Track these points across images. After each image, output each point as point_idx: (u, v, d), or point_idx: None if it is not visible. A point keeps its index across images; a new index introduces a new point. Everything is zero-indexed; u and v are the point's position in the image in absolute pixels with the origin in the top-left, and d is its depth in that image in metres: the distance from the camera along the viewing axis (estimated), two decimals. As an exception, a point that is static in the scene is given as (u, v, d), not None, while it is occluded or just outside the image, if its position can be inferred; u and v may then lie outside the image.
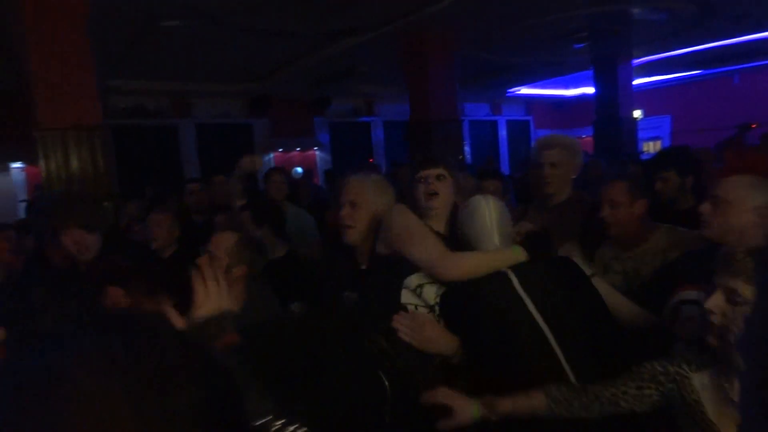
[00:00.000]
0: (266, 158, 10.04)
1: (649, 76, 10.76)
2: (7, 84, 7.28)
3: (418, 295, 1.73)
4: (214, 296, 1.11)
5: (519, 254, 1.72)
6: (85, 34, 4.58)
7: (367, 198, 1.92)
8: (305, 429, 0.85)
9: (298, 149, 10.31)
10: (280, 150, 10.22)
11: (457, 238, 1.84)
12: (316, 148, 10.63)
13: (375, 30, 6.20)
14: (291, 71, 8.51)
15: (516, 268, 1.70)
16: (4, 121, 7.29)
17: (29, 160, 7.46)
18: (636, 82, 9.38)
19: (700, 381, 1.34)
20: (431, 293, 1.72)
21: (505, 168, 11.61)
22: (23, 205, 6.94)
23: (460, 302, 1.68)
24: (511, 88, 11.95)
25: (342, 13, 5.79)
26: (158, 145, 8.99)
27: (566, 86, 12.51)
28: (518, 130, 13.83)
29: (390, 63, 7.94)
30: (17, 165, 7.61)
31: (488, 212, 1.78)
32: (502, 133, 13.62)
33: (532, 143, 13.87)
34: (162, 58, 7.34)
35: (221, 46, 6.91)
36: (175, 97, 9.16)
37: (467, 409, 1.44)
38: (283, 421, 0.84)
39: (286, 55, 7.70)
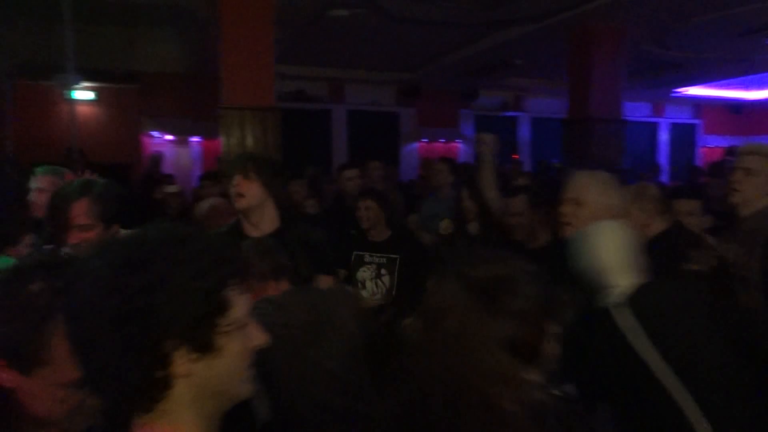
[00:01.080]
0: (410, 147, 10.20)
1: None
2: (191, 67, 8.20)
3: None
4: None
5: None
6: (271, 22, 4.98)
7: (591, 196, 1.86)
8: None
9: (442, 140, 10.33)
10: (425, 140, 10.32)
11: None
12: (459, 140, 10.57)
13: (540, 21, 5.96)
14: (444, 62, 8.53)
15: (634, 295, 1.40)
16: (186, 101, 8.24)
17: (206, 135, 8.35)
18: (844, 85, 7.97)
19: None
20: None
21: (665, 177, 10.59)
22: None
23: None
24: (678, 87, 10.82)
25: (509, 3, 5.64)
26: (313, 128, 9.55)
27: (747, 87, 11.03)
28: (683, 135, 12.52)
29: (547, 56, 7.59)
30: (195, 139, 8.55)
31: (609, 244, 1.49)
32: (663, 137, 12.43)
33: (698, 150, 12.51)
34: (323, 46, 7.75)
35: (380, 35, 7.11)
36: (331, 83, 9.65)
37: None
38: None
39: (441, 45, 7.72)
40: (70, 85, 6.21)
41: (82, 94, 6.86)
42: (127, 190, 3.92)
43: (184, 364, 0.70)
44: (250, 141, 4.97)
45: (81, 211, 1.96)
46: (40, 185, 2.77)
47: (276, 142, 5.05)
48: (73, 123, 5.14)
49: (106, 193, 2.09)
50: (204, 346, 0.71)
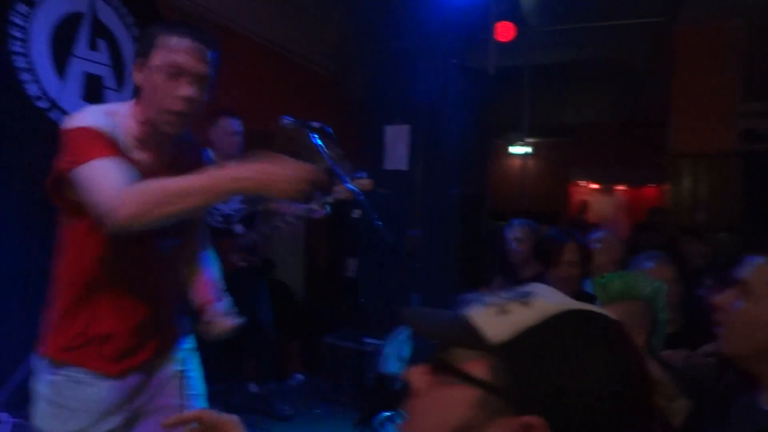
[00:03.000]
0: None
1: None
2: (617, 117, 8.11)
3: None
4: None
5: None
6: (737, 58, 4.44)
7: None
8: None
9: None
10: None
11: None
12: None
13: None
14: None
15: None
16: (612, 150, 8.17)
17: (631, 183, 8.07)
18: None
19: None
20: None
21: None
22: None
23: None
24: None
25: None
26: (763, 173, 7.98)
27: None
28: None
29: None
30: (620, 187, 8.37)
31: None
32: None
33: None
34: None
35: None
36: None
37: None
38: None
39: None
40: (516, 142, 7.02)
41: (522, 148, 7.66)
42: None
43: None
44: (703, 190, 4.47)
45: (570, 250, 2.38)
46: (518, 235, 3.08)
47: (737, 190, 4.39)
48: (522, 175, 5.75)
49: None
50: None
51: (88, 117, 1.25)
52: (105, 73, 3.34)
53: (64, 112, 3.08)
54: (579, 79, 7.47)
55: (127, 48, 3.49)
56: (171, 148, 1.37)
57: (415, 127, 3.53)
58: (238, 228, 2.87)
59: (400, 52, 4.24)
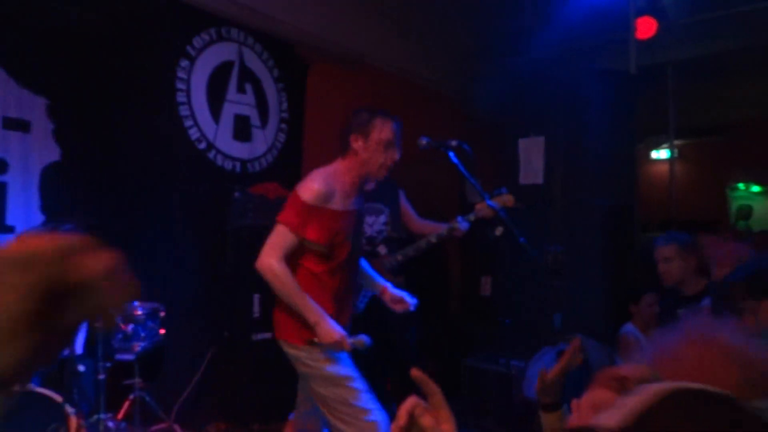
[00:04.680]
0: None
1: None
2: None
3: None
4: None
5: None
6: None
7: None
8: None
9: None
10: None
11: None
12: None
13: None
14: None
15: None
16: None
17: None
18: None
19: None
20: None
21: None
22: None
23: None
24: None
25: None
26: None
27: None
28: None
29: None
30: (792, 188, 7.29)
31: None
32: None
33: None
34: None
35: None
36: None
37: None
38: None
39: None
40: (661, 145, 6.44)
41: (663, 152, 7.01)
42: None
43: None
44: None
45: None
46: (665, 255, 2.70)
47: None
48: (670, 181, 5.25)
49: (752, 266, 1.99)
50: None
51: (308, 192, 1.96)
52: (251, 113, 3.65)
53: (219, 151, 3.41)
54: (731, 72, 6.67)
55: (269, 87, 3.78)
56: (362, 192, 2.14)
57: (551, 137, 3.37)
58: (382, 249, 2.93)
59: (529, 63, 4.12)
